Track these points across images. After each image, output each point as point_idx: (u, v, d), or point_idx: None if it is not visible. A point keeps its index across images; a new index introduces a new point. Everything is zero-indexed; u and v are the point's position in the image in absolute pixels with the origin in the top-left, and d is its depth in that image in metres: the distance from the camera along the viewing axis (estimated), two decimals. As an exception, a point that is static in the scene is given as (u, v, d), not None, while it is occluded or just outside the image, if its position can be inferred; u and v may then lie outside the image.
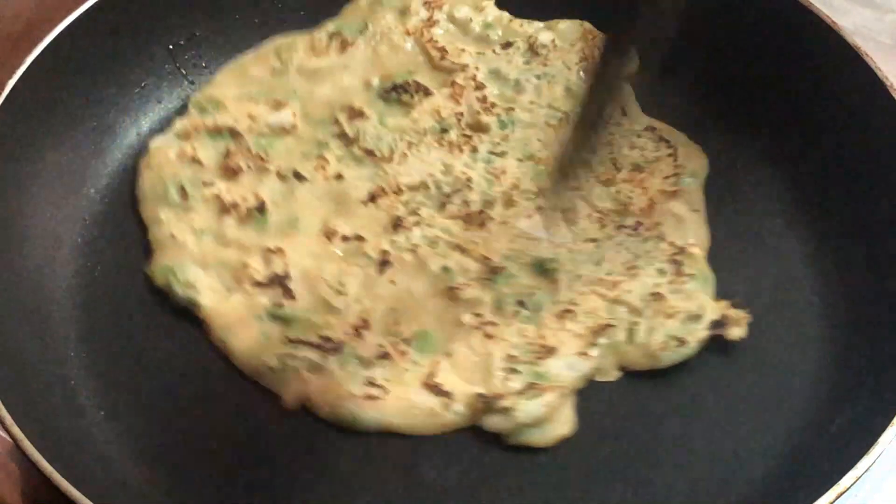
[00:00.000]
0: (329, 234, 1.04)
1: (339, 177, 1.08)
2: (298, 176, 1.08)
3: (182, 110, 1.15)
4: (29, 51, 1.05)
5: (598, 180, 1.09)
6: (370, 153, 1.09)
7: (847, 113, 1.07)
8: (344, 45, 1.17)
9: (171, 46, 1.17)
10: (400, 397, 0.95)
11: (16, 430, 0.86)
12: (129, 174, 1.11)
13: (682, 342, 0.98)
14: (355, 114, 1.12)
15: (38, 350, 0.98)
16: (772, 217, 1.09)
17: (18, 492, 0.90)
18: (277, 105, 1.13)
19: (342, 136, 1.11)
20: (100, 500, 0.83)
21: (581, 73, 1.17)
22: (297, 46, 1.17)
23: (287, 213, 1.06)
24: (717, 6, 1.14)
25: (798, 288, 1.04)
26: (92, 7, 1.09)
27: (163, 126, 1.15)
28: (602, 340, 0.97)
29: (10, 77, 1.03)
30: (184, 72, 1.18)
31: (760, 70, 1.13)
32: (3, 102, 1.02)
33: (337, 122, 1.12)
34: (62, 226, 1.06)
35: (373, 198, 1.06)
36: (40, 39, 1.06)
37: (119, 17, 1.12)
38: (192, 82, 1.18)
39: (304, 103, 1.13)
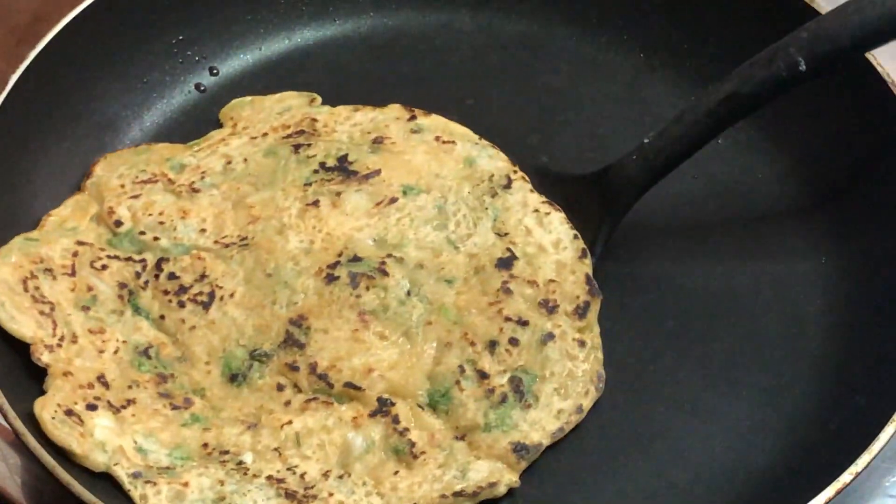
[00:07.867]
0: None
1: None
2: None
3: (184, 106, 1.16)
4: (33, 44, 1.06)
5: None
6: None
7: (847, 110, 1.07)
8: None
9: (173, 42, 1.17)
10: None
11: (18, 425, 0.86)
12: (131, 169, 1.12)
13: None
14: None
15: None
16: (771, 214, 1.09)
17: (19, 484, 0.90)
18: None
19: None
20: (100, 493, 0.84)
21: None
22: None
23: None
24: (717, 4, 1.14)
25: (798, 285, 1.04)
26: (96, 2, 1.09)
27: (164, 121, 1.15)
28: None
29: (14, 71, 1.04)
30: (186, 67, 1.18)
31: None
32: (7, 96, 1.02)
33: None
34: (65, 219, 1.06)
35: None
36: (45, 33, 1.07)
37: (122, 12, 1.12)
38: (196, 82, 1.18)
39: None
